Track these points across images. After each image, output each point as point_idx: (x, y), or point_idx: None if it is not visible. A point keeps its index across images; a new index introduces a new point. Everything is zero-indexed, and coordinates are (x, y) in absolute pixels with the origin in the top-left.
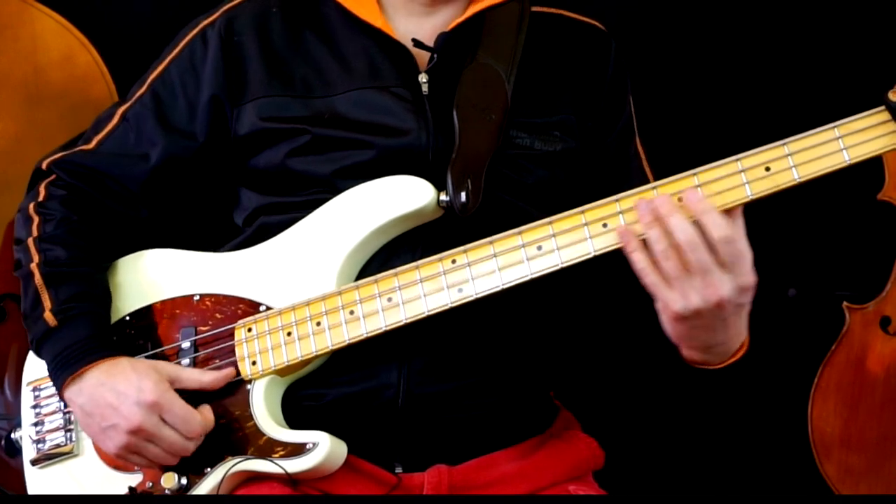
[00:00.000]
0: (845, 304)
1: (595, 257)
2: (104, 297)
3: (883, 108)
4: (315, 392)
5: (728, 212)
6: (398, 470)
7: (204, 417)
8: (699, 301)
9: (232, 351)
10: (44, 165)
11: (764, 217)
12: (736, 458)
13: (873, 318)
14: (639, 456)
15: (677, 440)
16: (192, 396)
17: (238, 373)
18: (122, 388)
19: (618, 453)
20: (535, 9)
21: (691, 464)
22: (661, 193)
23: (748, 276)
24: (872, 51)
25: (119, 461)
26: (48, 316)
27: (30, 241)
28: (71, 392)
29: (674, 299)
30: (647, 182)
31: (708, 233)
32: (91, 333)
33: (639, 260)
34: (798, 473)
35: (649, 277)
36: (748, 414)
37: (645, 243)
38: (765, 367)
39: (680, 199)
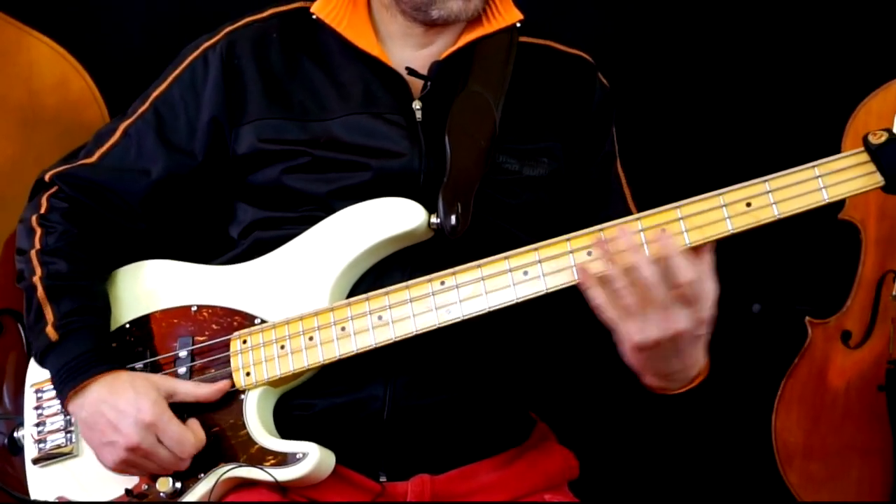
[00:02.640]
0: (807, 318)
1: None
2: (104, 308)
3: (862, 149)
4: (305, 402)
5: (697, 248)
6: (382, 479)
7: (196, 437)
8: (657, 333)
9: (227, 361)
10: (46, 177)
11: (730, 235)
12: (703, 467)
13: (834, 332)
14: (612, 466)
15: (648, 451)
16: (188, 406)
17: (233, 385)
18: (122, 407)
19: (592, 464)
20: (522, 39)
21: (661, 472)
22: (644, 225)
23: (707, 311)
24: (850, 84)
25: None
26: (50, 331)
27: (32, 252)
28: (74, 406)
29: (633, 332)
30: (626, 203)
31: (673, 276)
32: (91, 347)
33: (597, 296)
34: (762, 481)
35: (608, 312)
36: (715, 424)
37: (601, 279)
38: (731, 379)
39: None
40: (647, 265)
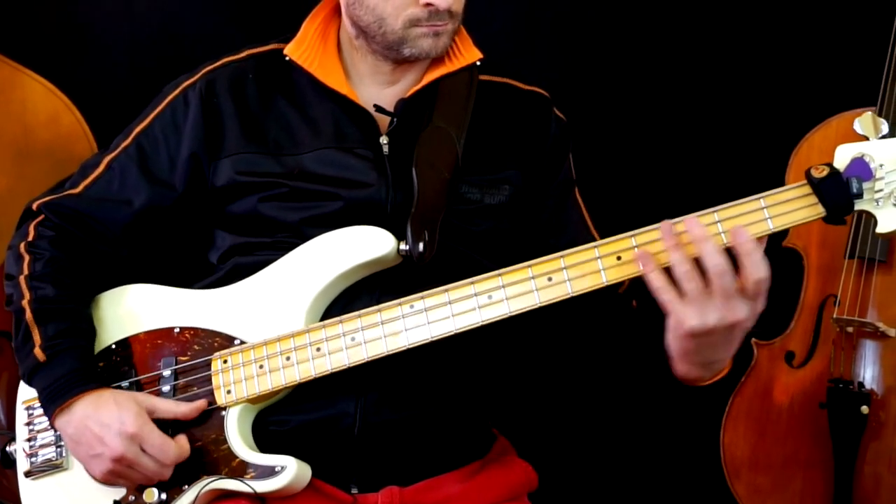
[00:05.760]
0: (754, 340)
1: (540, 308)
2: (89, 330)
3: (805, 182)
4: (280, 418)
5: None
6: (354, 490)
7: (179, 447)
8: (716, 320)
9: (209, 380)
10: (34, 206)
11: None
12: (656, 478)
13: (779, 353)
14: (569, 478)
15: (603, 463)
16: (174, 422)
17: (210, 403)
18: (106, 420)
19: (550, 476)
20: (482, 77)
21: (615, 484)
22: (600, 252)
23: (763, 305)
24: (794, 120)
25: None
26: (38, 352)
27: (21, 278)
28: (60, 422)
29: (690, 316)
30: (588, 228)
31: (745, 272)
32: (77, 367)
33: (656, 279)
34: (711, 492)
35: (666, 295)
36: (666, 438)
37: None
38: (681, 396)
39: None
40: (714, 252)
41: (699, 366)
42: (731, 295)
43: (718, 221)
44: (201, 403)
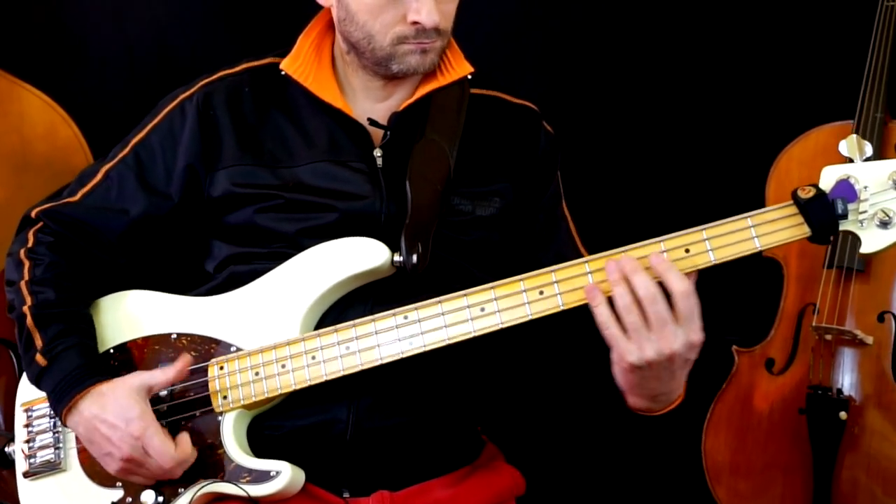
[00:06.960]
0: (734, 347)
1: (531, 320)
2: (89, 328)
3: (791, 203)
4: (274, 423)
5: (686, 274)
6: (346, 495)
7: (181, 451)
8: (653, 353)
9: (205, 385)
10: (32, 214)
11: None
12: (639, 483)
13: (759, 360)
14: (555, 483)
15: (588, 469)
16: (174, 429)
17: (194, 362)
18: (112, 421)
19: (537, 481)
20: (473, 90)
21: (600, 489)
22: (591, 268)
23: (698, 334)
24: (774, 133)
25: (106, 480)
26: (39, 358)
27: (22, 283)
28: (71, 422)
29: (630, 350)
30: (574, 242)
31: (669, 287)
32: (78, 364)
33: (601, 313)
34: (693, 497)
35: (609, 330)
36: (650, 444)
37: (608, 301)
38: None
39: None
40: (645, 281)
41: (647, 398)
42: (664, 324)
43: (707, 239)
44: (186, 359)
